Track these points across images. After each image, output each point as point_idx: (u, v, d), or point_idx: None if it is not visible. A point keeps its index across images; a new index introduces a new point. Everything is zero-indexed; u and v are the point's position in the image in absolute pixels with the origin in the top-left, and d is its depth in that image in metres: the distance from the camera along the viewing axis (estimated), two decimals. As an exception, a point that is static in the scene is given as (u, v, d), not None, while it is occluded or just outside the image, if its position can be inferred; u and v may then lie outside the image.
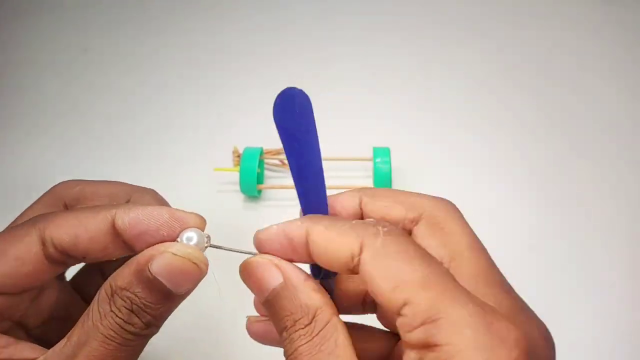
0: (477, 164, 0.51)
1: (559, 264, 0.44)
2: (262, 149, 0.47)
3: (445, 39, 0.65)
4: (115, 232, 0.22)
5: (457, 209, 0.26)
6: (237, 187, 0.46)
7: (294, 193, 0.54)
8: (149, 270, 0.21)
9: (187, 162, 0.52)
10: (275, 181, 0.50)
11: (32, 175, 0.51)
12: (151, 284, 0.21)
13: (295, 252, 0.22)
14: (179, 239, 0.22)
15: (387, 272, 0.19)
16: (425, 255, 0.19)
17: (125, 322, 0.21)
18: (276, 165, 0.51)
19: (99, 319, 0.21)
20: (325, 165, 0.56)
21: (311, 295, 0.21)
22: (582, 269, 0.43)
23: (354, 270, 0.20)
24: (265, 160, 0.50)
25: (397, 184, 0.48)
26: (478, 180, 0.50)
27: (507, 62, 0.62)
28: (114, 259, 0.24)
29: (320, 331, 0.20)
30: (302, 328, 0.20)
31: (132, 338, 0.21)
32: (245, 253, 0.23)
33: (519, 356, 0.17)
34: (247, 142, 0.49)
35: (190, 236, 0.22)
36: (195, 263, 0.22)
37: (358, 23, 0.68)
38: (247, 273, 0.22)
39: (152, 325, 0.22)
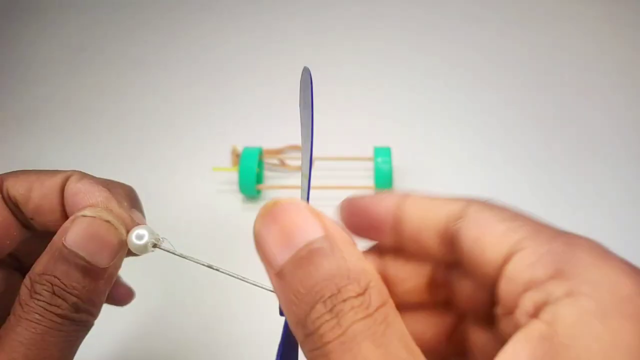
0: (479, 163, 0.51)
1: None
2: (261, 148, 0.47)
3: (446, 39, 0.65)
4: (63, 197, 0.22)
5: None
6: (236, 187, 0.46)
7: (293, 193, 0.54)
8: (64, 244, 0.20)
9: (186, 161, 0.51)
10: (274, 181, 0.50)
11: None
12: (66, 259, 0.20)
13: (369, 230, 0.19)
14: (129, 236, 0.21)
15: (500, 217, 0.17)
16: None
17: (48, 304, 0.19)
18: (275, 165, 0.50)
19: (20, 309, 0.20)
20: (325, 164, 0.55)
21: (362, 261, 0.16)
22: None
23: (449, 234, 0.18)
24: (265, 160, 0.50)
25: (398, 184, 0.48)
26: (479, 180, 0.50)
27: (510, 61, 0.62)
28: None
29: (378, 308, 0.15)
30: (354, 297, 0.15)
31: (61, 322, 0.20)
32: (201, 264, 0.21)
33: None
34: (246, 141, 0.48)
35: (141, 234, 0.21)
36: (108, 222, 0.20)
37: (359, 22, 0.68)
38: (271, 217, 0.17)
39: (82, 309, 0.20)
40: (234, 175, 0.47)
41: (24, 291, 0.20)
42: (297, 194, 0.52)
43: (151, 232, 0.21)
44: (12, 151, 0.53)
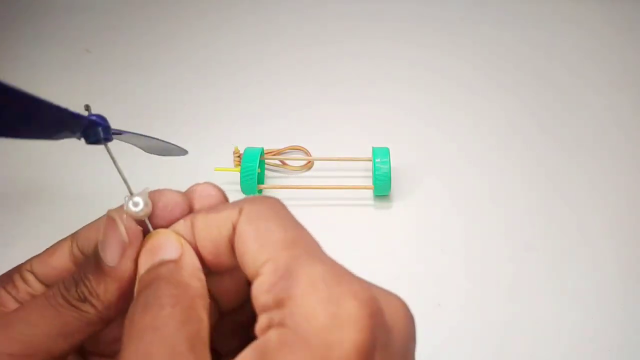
0: (477, 163, 0.52)
1: (560, 265, 0.44)
2: (262, 149, 0.48)
3: (445, 39, 0.66)
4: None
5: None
6: (238, 187, 0.47)
7: (294, 193, 0.54)
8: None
9: (188, 162, 0.52)
10: (275, 181, 0.50)
11: (32, 176, 0.51)
12: (91, 253, 0.22)
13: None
14: (125, 205, 0.22)
15: (258, 233, 0.19)
16: (296, 221, 0.19)
17: (64, 287, 0.21)
18: (277, 165, 0.51)
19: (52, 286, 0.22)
20: (325, 165, 0.56)
21: (194, 277, 0.20)
22: (585, 269, 0.44)
23: (232, 245, 0.20)
24: (266, 161, 0.50)
25: (396, 184, 0.48)
26: (478, 180, 0.50)
27: (509, 61, 0.62)
28: None
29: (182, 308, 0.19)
30: (169, 296, 0.19)
31: (62, 303, 0.21)
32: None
33: (370, 314, 0.16)
34: (248, 142, 0.49)
35: (137, 201, 0.21)
36: (111, 217, 0.21)
37: (359, 23, 0.68)
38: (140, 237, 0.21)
39: (87, 300, 0.21)
40: (235, 176, 0.48)
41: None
42: (297, 193, 0.53)
43: (145, 199, 0.22)
44: (12, 151, 0.54)
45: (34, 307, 0.21)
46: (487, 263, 0.44)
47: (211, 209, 0.21)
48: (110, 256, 0.21)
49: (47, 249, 0.24)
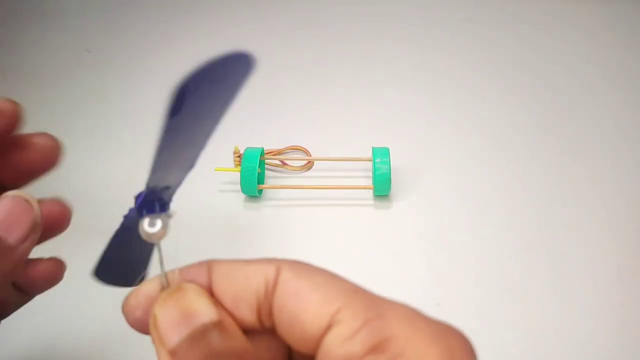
0: (477, 163, 0.52)
1: (560, 265, 0.44)
2: (262, 149, 0.48)
3: (445, 39, 0.66)
4: None
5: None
6: (238, 187, 0.47)
7: (294, 193, 0.54)
8: None
9: (188, 162, 0.52)
10: (275, 181, 0.50)
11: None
12: None
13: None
14: (141, 223, 0.19)
15: (316, 285, 0.17)
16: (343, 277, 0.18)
17: None
18: (277, 165, 0.51)
19: None
20: (325, 165, 0.56)
21: (246, 342, 0.18)
22: (586, 268, 0.44)
23: (268, 301, 0.17)
24: (266, 161, 0.50)
25: (396, 184, 0.48)
26: (478, 180, 0.50)
27: (509, 61, 0.62)
28: None
29: None
30: None
31: None
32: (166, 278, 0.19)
33: (472, 349, 0.16)
34: (248, 142, 0.49)
35: (155, 222, 0.19)
36: (27, 200, 0.20)
37: (359, 23, 0.68)
38: (172, 301, 0.18)
39: None
40: (235, 176, 0.48)
41: None
42: (297, 193, 0.53)
43: (164, 220, 0.19)
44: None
45: None
46: (487, 263, 0.44)
47: (234, 260, 0.19)
48: (16, 236, 0.20)
49: None
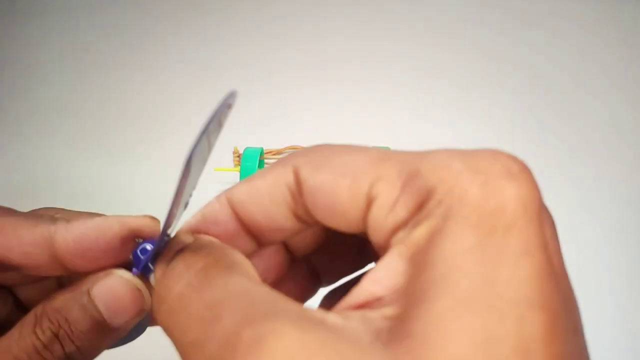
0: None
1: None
2: (262, 149, 0.48)
3: (445, 39, 0.66)
4: (53, 250, 0.19)
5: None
6: (238, 187, 0.47)
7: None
8: (89, 293, 0.19)
9: (188, 162, 0.52)
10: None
11: (33, 176, 0.51)
12: (85, 308, 0.19)
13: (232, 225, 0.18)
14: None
15: (338, 170, 0.16)
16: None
17: (44, 346, 0.18)
18: (276, 165, 0.51)
19: (16, 339, 0.19)
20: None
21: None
22: (586, 268, 0.44)
23: (301, 203, 0.17)
24: (266, 161, 0.50)
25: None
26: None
27: (509, 61, 0.62)
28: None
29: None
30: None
31: None
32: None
33: (528, 170, 0.16)
34: (248, 142, 0.49)
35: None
36: (139, 290, 0.19)
37: (358, 23, 0.68)
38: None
39: (74, 358, 0.19)
40: (235, 176, 0.48)
41: (30, 317, 0.19)
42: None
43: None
44: (14, 152, 0.54)
45: None
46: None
47: (250, 180, 0.18)
48: (123, 321, 0.19)
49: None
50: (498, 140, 0.54)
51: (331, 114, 0.56)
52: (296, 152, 0.18)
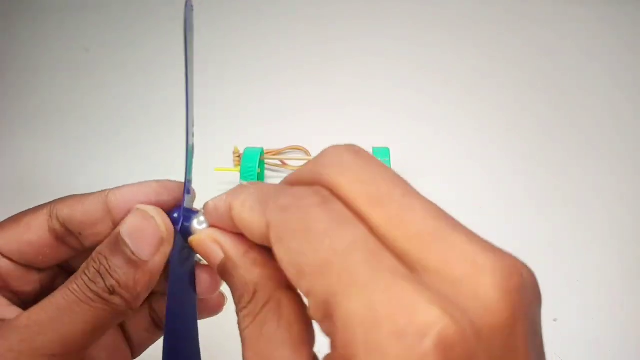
0: (478, 163, 0.51)
1: (560, 265, 0.44)
2: (262, 149, 0.48)
3: (445, 38, 0.66)
4: (108, 209, 0.23)
5: None
6: (238, 187, 0.47)
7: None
8: (119, 232, 0.22)
9: (188, 162, 0.52)
10: (275, 181, 0.50)
11: (32, 175, 0.51)
12: (117, 245, 0.22)
13: (231, 225, 0.20)
14: (194, 219, 0.22)
15: (290, 256, 0.16)
16: (332, 228, 0.16)
17: (89, 279, 0.21)
18: (276, 165, 0.51)
19: (73, 279, 0.22)
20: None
21: (249, 269, 0.19)
22: (586, 268, 0.44)
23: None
24: (266, 161, 0.50)
25: (396, 184, 0.48)
26: (479, 180, 0.50)
27: (509, 61, 0.62)
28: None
29: (260, 311, 0.18)
30: (245, 307, 0.18)
31: (93, 297, 0.21)
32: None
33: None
34: (248, 142, 0.49)
35: (202, 220, 0.22)
36: (152, 217, 0.22)
37: (358, 23, 0.68)
38: (194, 249, 0.22)
39: (117, 292, 0.22)
40: (235, 176, 0.48)
41: (81, 267, 0.22)
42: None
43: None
44: (14, 152, 0.54)
45: (62, 305, 0.21)
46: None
47: (245, 198, 0.19)
48: (147, 251, 0.22)
49: (11, 223, 0.24)
50: (498, 140, 0.54)
51: (331, 114, 0.56)
52: (271, 209, 0.18)
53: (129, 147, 0.54)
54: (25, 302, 0.25)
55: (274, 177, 0.51)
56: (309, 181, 0.18)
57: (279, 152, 0.51)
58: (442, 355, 0.13)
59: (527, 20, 0.68)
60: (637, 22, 0.67)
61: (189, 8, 0.20)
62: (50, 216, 0.24)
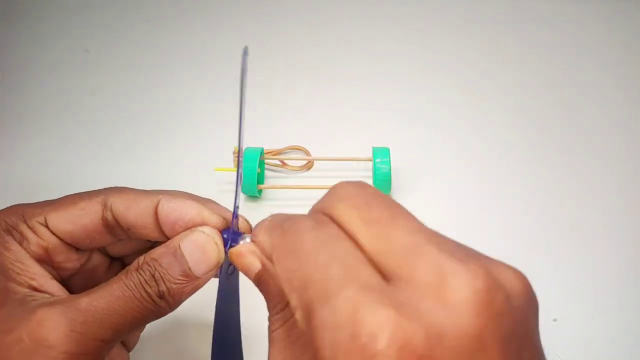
0: (478, 163, 0.51)
1: (559, 265, 0.44)
2: (262, 149, 0.48)
3: (445, 38, 0.66)
4: (156, 213, 0.26)
5: None
6: (238, 187, 0.47)
7: (294, 193, 0.54)
8: (179, 246, 0.25)
9: (188, 161, 0.52)
10: (275, 181, 0.50)
11: (31, 175, 0.51)
12: (175, 257, 0.24)
13: None
14: (240, 241, 0.25)
15: (285, 273, 0.19)
16: (317, 247, 0.18)
17: (145, 280, 0.24)
18: (276, 165, 0.51)
19: (124, 274, 0.24)
20: (324, 165, 0.56)
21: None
22: (585, 268, 0.44)
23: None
24: (266, 161, 0.50)
25: (396, 184, 0.48)
26: (478, 180, 0.50)
27: (509, 61, 0.62)
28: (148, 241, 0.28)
29: (290, 318, 0.20)
30: (277, 313, 0.21)
31: (145, 297, 0.24)
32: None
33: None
34: (248, 142, 0.49)
35: (248, 242, 0.25)
36: (216, 244, 0.25)
37: (358, 23, 0.68)
38: (235, 261, 0.24)
39: (165, 298, 0.24)
40: (235, 176, 0.47)
41: (133, 265, 0.25)
42: (297, 193, 0.53)
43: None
44: (14, 152, 0.54)
45: (120, 297, 0.24)
46: (488, 263, 0.44)
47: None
48: (203, 270, 0.25)
49: (67, 204, 0.26)
50: (498, 140, 0.54)
51: (331, 114, 0.56)
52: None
53: (129, 148, 0.54)
54: (63, 277, 0.27)
55: (274, 177, 0.51)
56: (317, 209, 0.22)
57: (279, 152, 0.51)
58: (397, 355, 0.15)
59: (526, 21, 0.68)
60: (638, 22, 0.67)
61: (245, 53, 0.22)
62: (105, 207, 0.26)
